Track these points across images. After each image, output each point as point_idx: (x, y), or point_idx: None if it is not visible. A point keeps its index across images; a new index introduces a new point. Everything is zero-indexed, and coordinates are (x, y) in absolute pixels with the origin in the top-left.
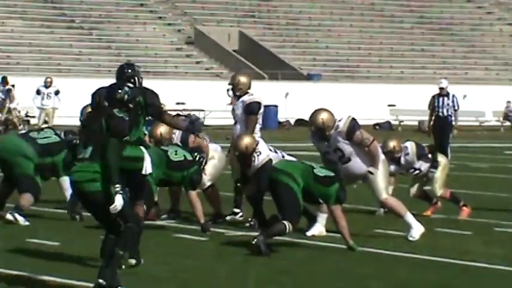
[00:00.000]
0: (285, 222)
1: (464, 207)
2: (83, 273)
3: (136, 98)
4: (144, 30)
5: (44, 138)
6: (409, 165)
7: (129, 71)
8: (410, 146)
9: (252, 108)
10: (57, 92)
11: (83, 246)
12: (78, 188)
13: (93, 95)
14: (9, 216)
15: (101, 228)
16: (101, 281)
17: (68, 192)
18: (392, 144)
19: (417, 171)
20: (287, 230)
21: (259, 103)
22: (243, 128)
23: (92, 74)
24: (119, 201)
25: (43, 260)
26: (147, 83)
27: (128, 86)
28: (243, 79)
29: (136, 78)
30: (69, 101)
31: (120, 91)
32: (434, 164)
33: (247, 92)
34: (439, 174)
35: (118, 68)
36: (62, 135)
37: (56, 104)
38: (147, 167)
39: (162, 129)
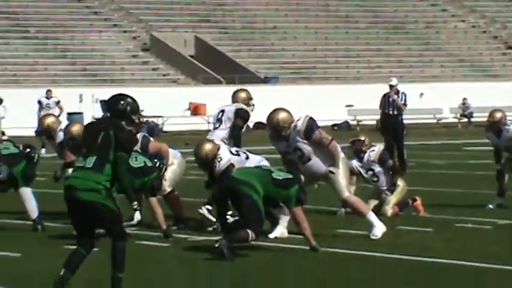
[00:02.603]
0: (249, 230)
1: (415, 202)
2: (45, 285)
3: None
4: (100, 38)
5: (4, 149)
6: (369, 165)
7: None
8: (379, 146)
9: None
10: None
11: (45, 256)
12: (73, 194)
13: None
14: None
15: (64, 238)
16: None
17: (29, 202)
18: (364, 137)
19: (374, 178)
20: (250, 238)
21: None
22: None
23: (48, 83)
24: (137, 218)
25: (5, 272)
26: (104, 90)
27: (132, 98)
28: None
29: None
30: (28, 111)
31: (122, 102)
32: (391, 188)
33: None
34: (392, 198)
35: None
36: (21, 148)
37: (2, 113)
38: None
39: None
